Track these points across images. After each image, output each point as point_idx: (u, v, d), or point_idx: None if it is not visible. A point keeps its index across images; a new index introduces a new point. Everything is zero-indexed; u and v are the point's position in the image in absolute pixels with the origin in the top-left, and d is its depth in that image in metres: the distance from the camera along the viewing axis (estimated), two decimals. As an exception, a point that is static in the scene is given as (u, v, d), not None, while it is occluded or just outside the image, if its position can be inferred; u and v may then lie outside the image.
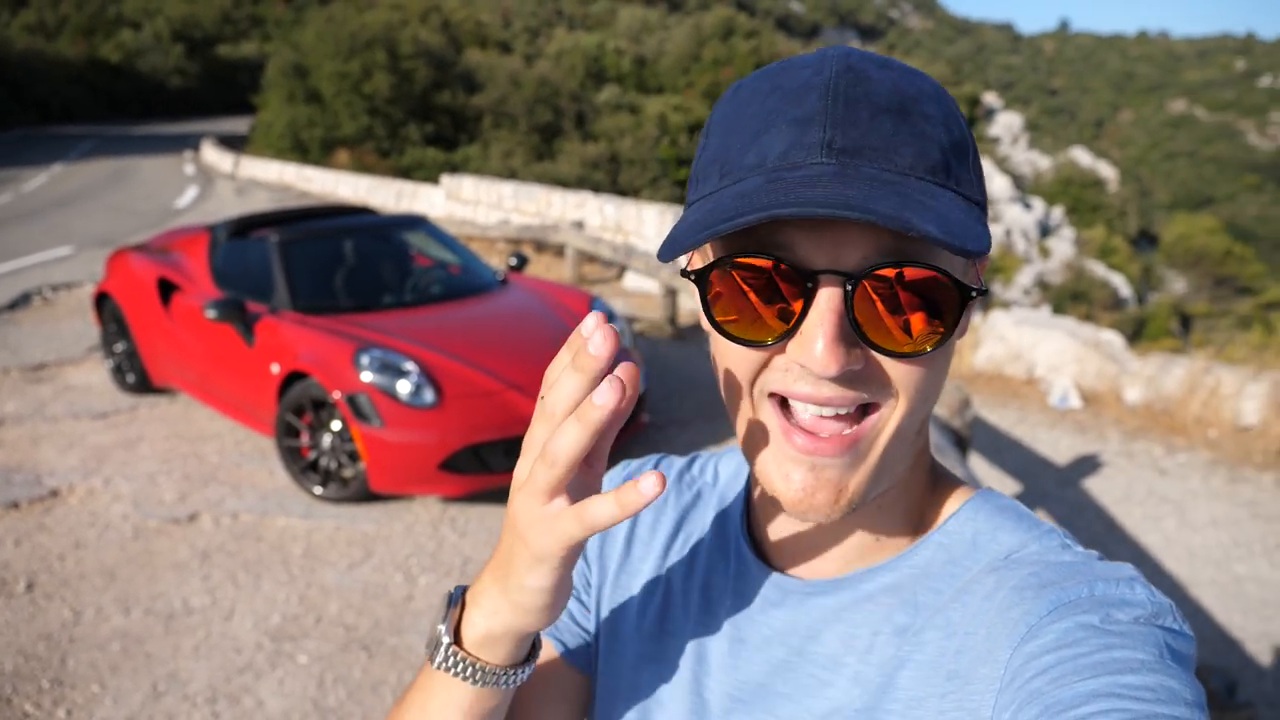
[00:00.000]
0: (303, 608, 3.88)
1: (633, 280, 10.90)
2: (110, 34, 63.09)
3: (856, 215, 0.54)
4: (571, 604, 0.89)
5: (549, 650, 0.89)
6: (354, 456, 4.70)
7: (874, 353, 0.61)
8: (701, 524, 0.85)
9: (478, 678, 0.68)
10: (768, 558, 0.78)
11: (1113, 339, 7.24)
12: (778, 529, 0.76)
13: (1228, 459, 5.68)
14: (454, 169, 29.30)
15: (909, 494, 0.73)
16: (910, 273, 0.59)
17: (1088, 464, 5.67)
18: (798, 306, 0.60)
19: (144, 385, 6.33)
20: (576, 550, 0.61)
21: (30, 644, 3.57)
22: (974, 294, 0.61)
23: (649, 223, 11.31)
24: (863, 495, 0.65)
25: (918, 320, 0.60)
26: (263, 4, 76.84)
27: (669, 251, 0.60)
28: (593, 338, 0.55)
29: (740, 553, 0.79)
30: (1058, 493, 5.26)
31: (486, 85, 40.95)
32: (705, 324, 0.65)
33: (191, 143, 37.70)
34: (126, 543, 4.40)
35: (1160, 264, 52.98)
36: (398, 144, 36.74)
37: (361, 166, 30.20)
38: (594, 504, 0.58)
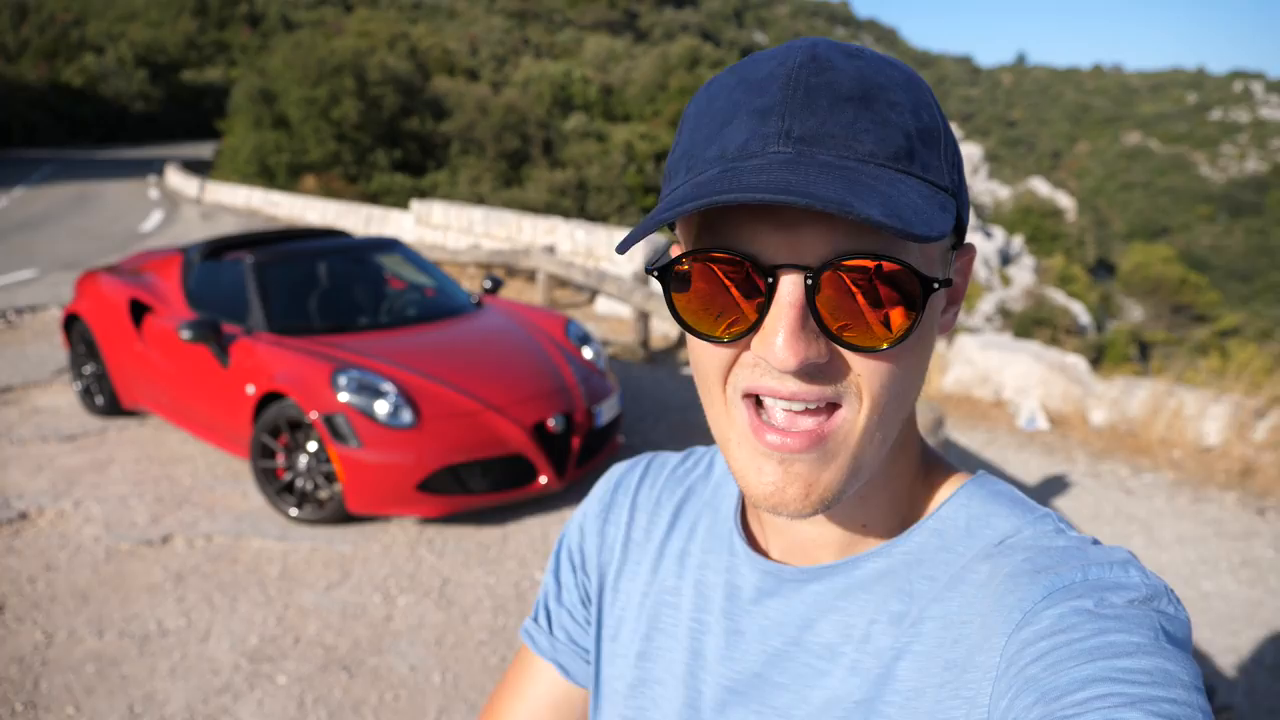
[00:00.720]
0: (280, 629, 3.84)
1: (605, 305, 10.94)
2: (73, 58, 62.41)
3: (792, 200, 0.53)
4: (568, 623, 0.90)
5: (552, 675, 0.90)
6: (330, 478, 4.68)
7: (837, 347, 0.61)
8: (695, 520, 0.85)
9: None
10: (764, 550, 0.78)
11: (1077, 362, 7.37)
12: (772, 520, 0.76)
13: (1191, 479, 5.80)
14: (422, 194, 29.29)
15: (897, 481, 0.72)
16: (869, 264, 0.58)
17: (1057, 484, 5.76)
18: (759, 301, 0.60)
19: (113, 407, 6.25)
20: None
21: (1, 667, 3.50)
22: (936, 285, 0.60)
23: (620, 248, 11.35)
24: (835, 492, 0.64)
25: (878, 314, 0.59)
26: (228, 30, 76.63)
27: (624, 243, 0.60)
28: None
29: (734, 545, 0.79)
30: (1028, 512, 5.32)
31: (454, 112, 40.99)
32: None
33: (156, 167, 37.36)
34: (99, 565, 4.33)
35: (1118, 292, 53.86)
36: (365, 169, 36.65)
37: (329, 192, 30.06)
38: None
